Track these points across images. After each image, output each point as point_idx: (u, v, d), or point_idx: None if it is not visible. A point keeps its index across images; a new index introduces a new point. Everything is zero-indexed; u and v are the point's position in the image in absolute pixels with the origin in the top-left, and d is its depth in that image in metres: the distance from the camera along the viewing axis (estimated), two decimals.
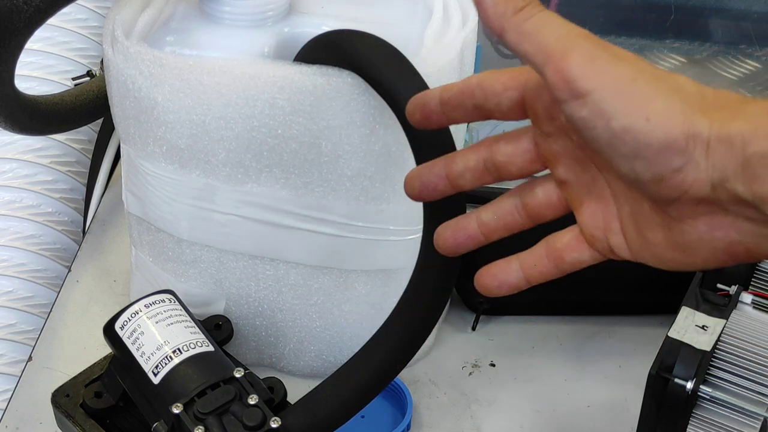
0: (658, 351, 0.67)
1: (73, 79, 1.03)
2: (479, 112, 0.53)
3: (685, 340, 0.67)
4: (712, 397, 0.66)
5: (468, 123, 0.52)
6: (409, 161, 0.67)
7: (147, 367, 0.68)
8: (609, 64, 0.47)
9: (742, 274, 0.75)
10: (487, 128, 0.97)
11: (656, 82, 0.47)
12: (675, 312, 0.70)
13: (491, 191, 0.99)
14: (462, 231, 0.56)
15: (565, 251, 0.54)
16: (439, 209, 0.63)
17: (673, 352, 0.67)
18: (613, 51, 0.47)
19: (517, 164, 0.54)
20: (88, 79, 1.02)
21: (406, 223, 0.75)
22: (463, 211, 0.64)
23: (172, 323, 0.70)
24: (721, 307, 0.70)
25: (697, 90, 0.47)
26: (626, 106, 0.46)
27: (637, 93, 0.46)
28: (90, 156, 1.08)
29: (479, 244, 0.56)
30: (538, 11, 0.48)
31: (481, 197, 0.95)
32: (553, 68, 0.47)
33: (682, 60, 0.99)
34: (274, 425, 0.64)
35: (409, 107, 0.55)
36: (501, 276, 0.55)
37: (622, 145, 0.46)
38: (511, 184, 0.58)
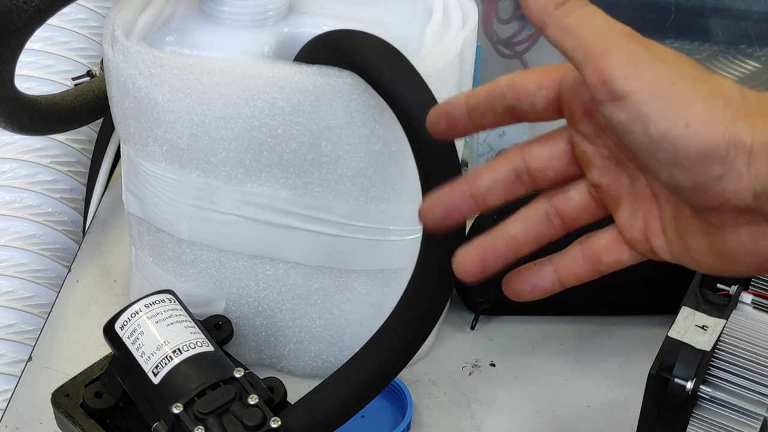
0: (658, 351, 0.67)
1: (73, 79, 1.03)
2: (511, 114, 0.51)
3: (685, 340, 0.67)
4: (712, 397, 0.66)
5: (498, 127, 0.51)
6: (409, 161, 0.67)
7: (147, 367, 0.68)
8: (649, 66, 0.45)
9: None
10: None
11: (698, 85, 0.45)
12: (675, 312, 0.70)
13: None
14: (490, 251, 0.52)
15: (603, 253, 0.51)
16: None
17: (673, 352, 0.67)
18: (656, 51, 0.46)
19: (555, 168, 0.51)
20: (88, 79, 1.02)
21: (406, 223, 0.75)
22: None
23: (172, 323, 0.70)
24: (721, 307, 0.70)
25: (740, 94, 0.45)
26: (665, 111, 0.44)
27: (677, 97, 0.44)
28: (90, 156, 1.08)
29: (508, 262, 0.52)
30: (580, 6, 0.46)
31: None
32: (592, 67, 0.45)
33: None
34: (274, 425, 0.64)
35: (431, 118, 0.52)
36: (533, 280, 0.52)
37: (660, 151, 0.45)
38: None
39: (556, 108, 0.50)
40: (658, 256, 0.50)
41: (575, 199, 0.51)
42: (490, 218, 0.86)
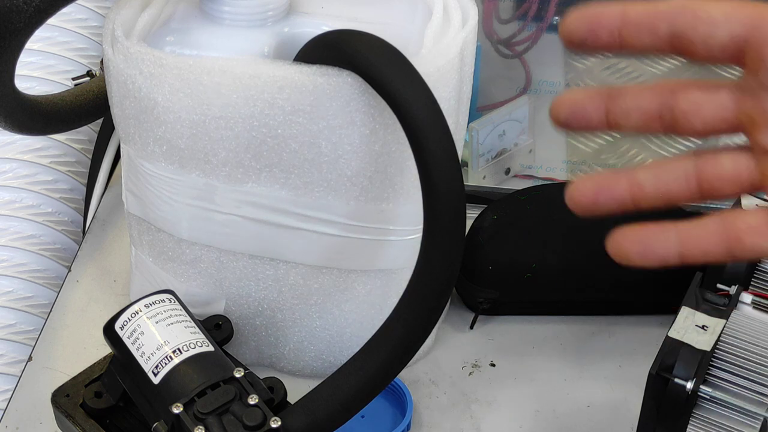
0: (658, 351, 0.67)
1: (73, 79, 1.03)
2: (674, 42, 0.44)
3: (685, 340, 0.67)
4: (712, 397, 0.66)
5: (645, 55, 0.46)
6: (409, 161, 0.67)
7: (147, 367, 0.68)
8: None
9: (742, 274, 0.75)
10: (487, 128, 0.97)
11: None
12: (675, 312, 0.70)
13: (491, 191, 1.00)
14: (606, 189, 0.46)
15: (748, 234, 0.44)
16: (440, 210, 0.63)
17: (673, 352, 0.67)
18: None
19: (704, 117, 0.44)
20: (88, 79, 1.02)
21: (406, 223, 0.75)
22: (464, 213, 0.64)
23: (172, 323, 0.70)
24: (721, 307, 0.70)
25: None
26: None
27: None
28: (90, 156, 1.08)
29: (622, 209, 0.46)
30: None
31: (482, 197, 0.96)
32: None
33: (682, 60, 0.99)
34: (274, 425, 0.64)
35: (571, 20, 0.44)
36: (649, 242, 0.46)
37: None
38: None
39: (736, 50, 0.43)
40: None
41: (725, 165, 0.45)
42: (489, 219, 0.87)
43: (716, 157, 0.46)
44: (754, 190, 0.46)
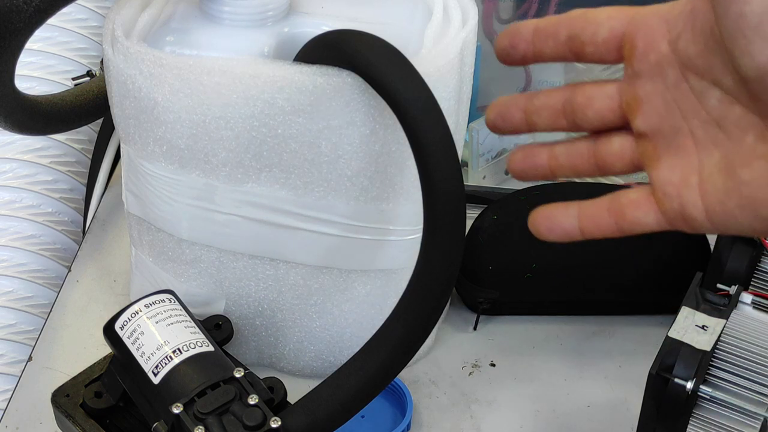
0: (658, 351, 0.67)
1: (73, 79, 1.03)
2: (571, 45, 0.51)
3: (685, 340, 0.67)
4: (712, 397, 0.66)
5: (555, 62, 0.53)
6: (409, 161, 0.67)
7: (147, 367, 0.68)
8: None
9: (742, 274, 0.75)
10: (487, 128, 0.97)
11: None
12: (675, 312, 0.70)
13: (491, 191, 1.00)
14: (531, 158, 0.54)
15: (629, 207, 0.51)
16: (440, 210, 0.63)
17: (673, 352, 0.67)
18: None
19: (594, 108, 0.52)
20: (88, 79, 1.02)
21: (406, 223, 0.75)
22: (464, 213, 0.64)
23: (172, 323, 0.70)
24: (721, 307, 0.70)
25: None
26: None
27: None
28: (90, 156, 1.08)
29: (545, 176, 0.54)
30: None
31: (481, 197, 0.96)
32: None
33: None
34: (274, 425, 0.64)
35: (500, 36, 0.53)
36: (556, 218, 0.53)
37: None
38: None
39: (617, 43, 0.50)
40: (687, 214, 0.49)
41: (614, 144, 0.52)
42: (489, 219, 0.87)
43: (609, 138, 0.53)
44: (638, 168, 0.52)
